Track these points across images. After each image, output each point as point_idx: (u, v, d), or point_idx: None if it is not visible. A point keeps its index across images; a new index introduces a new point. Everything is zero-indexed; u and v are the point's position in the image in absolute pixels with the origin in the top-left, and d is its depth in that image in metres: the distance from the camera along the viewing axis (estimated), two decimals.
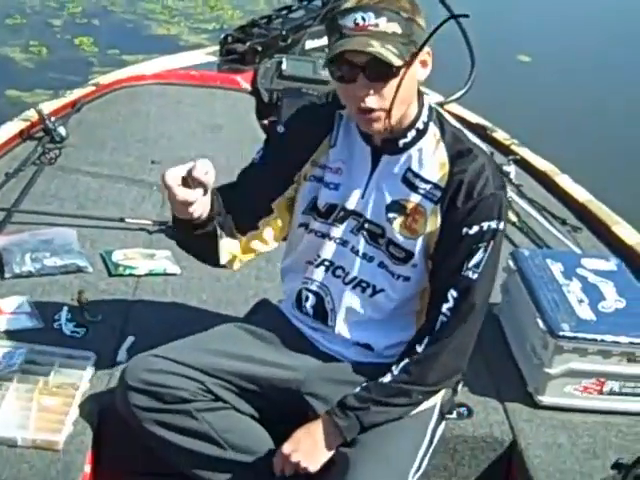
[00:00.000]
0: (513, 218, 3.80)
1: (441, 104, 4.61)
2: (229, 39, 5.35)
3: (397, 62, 2.07)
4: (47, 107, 4.33)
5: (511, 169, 4.21)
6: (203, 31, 9.12)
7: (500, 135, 4.74)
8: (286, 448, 2.20)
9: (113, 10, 9.58)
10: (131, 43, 8.25)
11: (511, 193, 3.97)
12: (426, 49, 2.15)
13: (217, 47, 5.42)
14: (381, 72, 2.09)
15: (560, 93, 7.80)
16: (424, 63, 2.18)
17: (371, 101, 2.12)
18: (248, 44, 5.24)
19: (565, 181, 4.29)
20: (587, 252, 3.54)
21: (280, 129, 2.40)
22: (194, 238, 2.21)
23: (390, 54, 2.06)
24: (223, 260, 2.33)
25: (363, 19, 2.06)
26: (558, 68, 8.33)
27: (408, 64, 2.10)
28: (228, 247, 2.32)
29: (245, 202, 2.34)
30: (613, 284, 2.88)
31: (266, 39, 5.28)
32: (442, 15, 2.16)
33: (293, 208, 2.39)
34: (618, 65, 8.80)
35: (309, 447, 2.19)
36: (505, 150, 4.56)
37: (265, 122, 4.76)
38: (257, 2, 10.11)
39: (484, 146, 2.32)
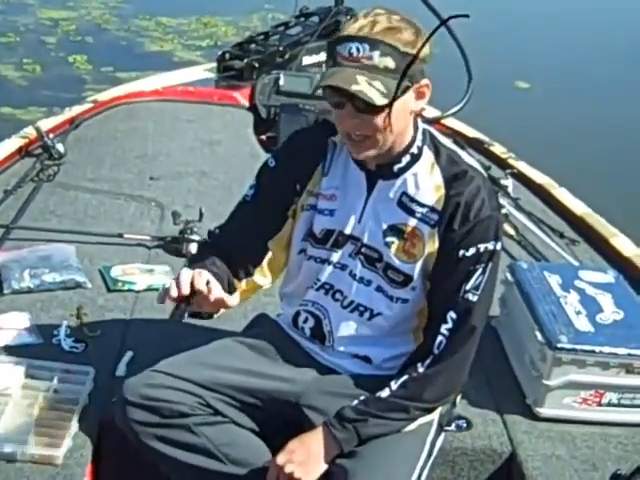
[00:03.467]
0: (511, 231, 3.81)
1: (438, 118, 4.63)
2: (227, 56, 5.38)
3: (380, 101, 2.07)
4: (45, 124, 4.36)
5: (509, 182, 4.22)
6: (197, 48, 9.17)
7: (497, 149, 4.75)
8: (280, 459, 2.19)
9: (107, 28, 9.63)
10: (125, 60, 8.30)
11: (509, 206, 3.98)
12: (424, 81, 2.17)
13: (214, 64, 5.45)
14: (366, 106, 2.09)
15: (557, 108, 7.82)
16: (421, 94, 2.19)
17: (357, 129, 2.14)
18: (245, 60, 5.27)
19: (563, 194, 4.30)
20: (585, 264, 3.55)
21: (271, 163, 2.40)
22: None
23: (374, 92, 2.06)
24: (218, 313, 2.38)
25: (358, 50, 2.07)
26: (556, 88, 8.32)
27: (396, 99, 2.09)
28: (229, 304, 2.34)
29: (242, 249, 2.36)
30: (611, 296, 2.88)
31: (263, 55, 5.31)
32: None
33: (291, 242, 2.39)
34: (616, 81, 8.83)
35: (303, 458, 2.18)
36: (503, 164, 4.57)
37: (263, 137, 4.78)
38: (250, 19, 10.15)
39: (479, 166, 2.33)
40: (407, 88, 2.12)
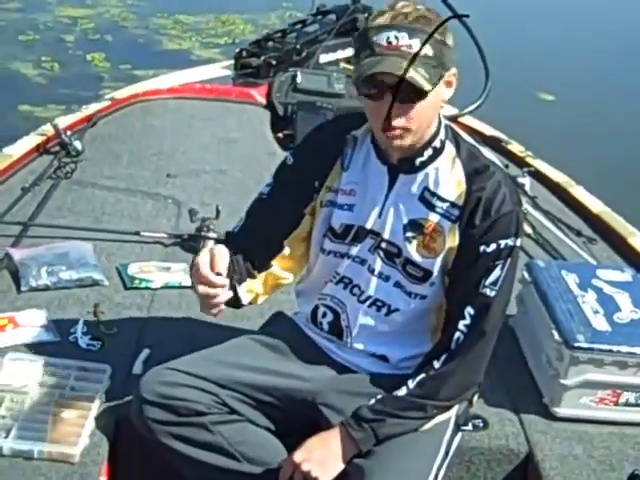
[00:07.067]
0: (528, 230, 3.79)
1: (455, 117, 4.62)
2: (244, 53, 5.37)
3: (427, 87, 2.07)
4: (63, 121, 4.36)
5: (526, 181, 4.20)
6: (215, 46, 9.17)
7: (515, 147, 4.74)
8: (297, 456, 2.18)
9: (125, 26, 9.64)
10: (143, 58, 8.31)
11: (526, 205, 3.96)
12: (453, 70, 2.16)
13: (232, 61, 5.45)
14: (410, 95, 2.08)
15: (577, 110, 7.77)
16: (449, 83, 2.18)
17: (397, 120, 2.11)
18: (263, 58, 5.27)
19: (580, 192, 4.28)
20: (602, 263, 3.53)
21: (289, 160, 2.40)
22: None
23: (421, 79, 2.05)
24: (245, 301, 2.37)
25: (396, 38, 2.05)
26: (579, 94, 8.25)
27: (435, 86, 2.10)
28: (247, 288, 2.34)
29: (258, 245, 2.36)
30: (628, 295, 2.86)
31: (281, 53, 5.31)
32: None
33: (308, 240, 2.40)
34: (635, 81, 8.78)
35: (321, 457, 2.17)
36: (520, 162, 4.55)
37: (280, 135, 4.78)
38: (269, 17, 10.15)
39: (499, 162, 2.32)
40: (441, 76, 2.12)
